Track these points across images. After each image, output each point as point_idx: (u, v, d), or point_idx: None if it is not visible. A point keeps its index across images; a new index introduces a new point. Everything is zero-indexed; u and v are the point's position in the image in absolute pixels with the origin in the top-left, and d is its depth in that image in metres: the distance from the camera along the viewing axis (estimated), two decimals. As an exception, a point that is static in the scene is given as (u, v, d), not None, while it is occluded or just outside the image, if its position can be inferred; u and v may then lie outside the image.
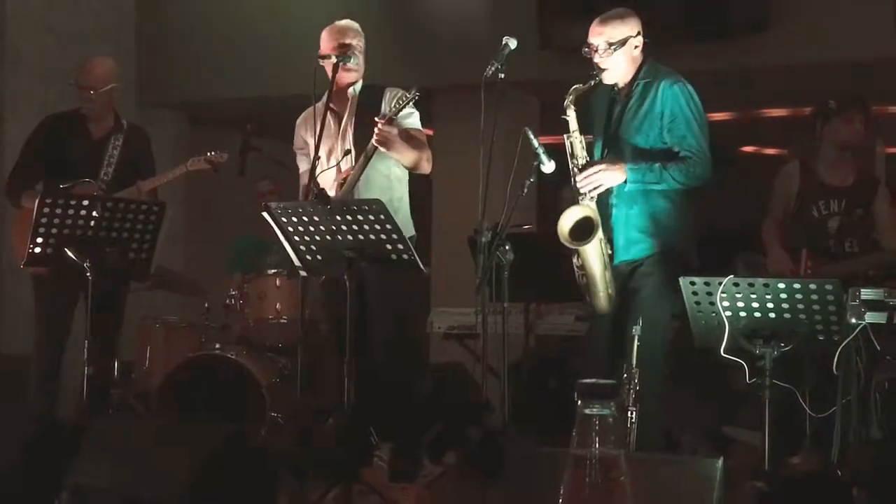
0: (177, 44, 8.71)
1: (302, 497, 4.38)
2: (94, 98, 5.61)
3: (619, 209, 4.62)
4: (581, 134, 4.60)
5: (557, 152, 4.74)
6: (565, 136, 4.59)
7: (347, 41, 5.13)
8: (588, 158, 4.61)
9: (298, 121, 5.36)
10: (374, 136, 4.90)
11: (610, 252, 4.58)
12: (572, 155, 4.60)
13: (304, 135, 5.28)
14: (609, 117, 4.70)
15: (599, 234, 4.48)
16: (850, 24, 6.84)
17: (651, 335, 4.44)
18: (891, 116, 9.10)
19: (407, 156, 5.06)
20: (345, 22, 5.24)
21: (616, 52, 4.56)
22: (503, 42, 4.75)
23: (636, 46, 4.62)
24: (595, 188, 4.54)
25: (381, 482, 4.68)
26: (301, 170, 5.28)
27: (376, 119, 4.93)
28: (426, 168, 5.21)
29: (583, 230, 4.47)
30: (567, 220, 4.48)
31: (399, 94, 5.03)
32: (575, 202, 4.58)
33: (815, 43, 6.95)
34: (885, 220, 5.43)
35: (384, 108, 5.11)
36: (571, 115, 4.55)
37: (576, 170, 4.58)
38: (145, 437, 4.21)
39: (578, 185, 4.55)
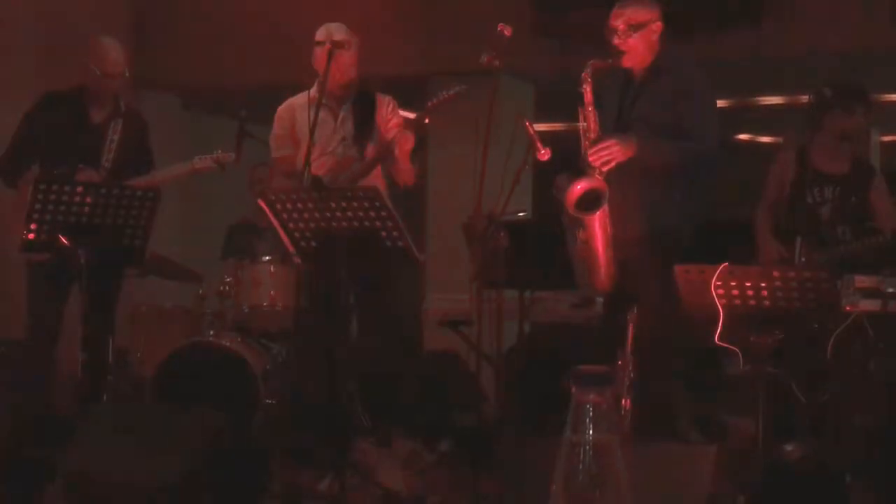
0: (172, 27, 8.68)
1: (295, 483, 4.39)
2: (118, 84, 5.58)
3: (619, 186, 4.60)
4: (596, 109, 4.60)
5: (553, 140, 4.74)
6: (580, 108, 4.60)
7: (341, 36, 5.16)
8: (601, 133, 4.61)
9: (284, 108, 5.36)
10: (395, 135, 5.00)
11: (610, 231, 4.59)
12: (586, 128, 4.60)
13: (288, 122, 5.29)
14: (621, 101, 4.72)
15: (605, 207, 4.48)
16: (845, 13, 6.84)
17: (652, 318, 4.45)
18: (885, 105, 9.10)
19: (408, 165, 5.16)
20: (337, 24, 5.27)
21: (635, 34, 4.62)
22: (498, 29, 4.75)
23: (655, 32, 4.68)
24: (606, 162, 4.53)
25: (374, 469, 4.68)
26: (276, 154, 5.31)
27: (415, 115, 5.07)
28: (411, 181, 5.28)
29: (590, 201, 4.48)
30: (576, 191, 4.48)
31: (392, 103, 5.26)
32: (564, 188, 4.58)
33: (811, 31, 6.95)
34: (883, 207, 5.43)
35: (380, 115, 5.28)
36: (588, 89, 4.56)
37: (588, 143, 4.58)
38: (139, 423, 4.21)
39: (590, 159, 4.54)
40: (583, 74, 4.55)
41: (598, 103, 4.67)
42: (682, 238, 4.67)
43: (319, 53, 5.15)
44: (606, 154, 4.52)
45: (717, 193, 5.03)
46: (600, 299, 5.33)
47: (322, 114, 5.08)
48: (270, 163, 5.55)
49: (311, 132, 4.89)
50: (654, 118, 4.66)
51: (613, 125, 4.71)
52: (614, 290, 4.66)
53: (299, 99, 5.31)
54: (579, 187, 4.49)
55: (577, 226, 4.58)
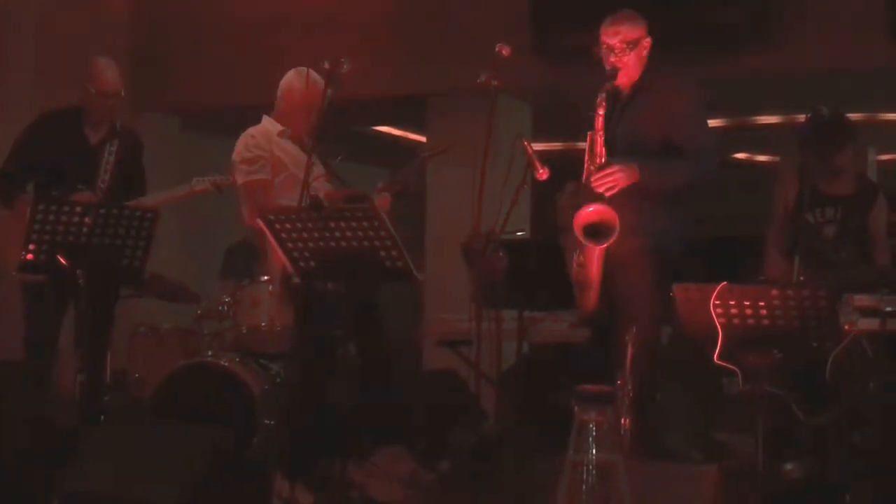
0: (170, 48, 8.70)
1: (294, 503, 4.37)
2: (114, 103, 5.58)
3: (608, 202, 4.56)
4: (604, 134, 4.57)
5: (551, 159, 4.74)
6: (589, 133, 4.56)
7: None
8: (606, 158, 4.57)
9: (258, 133, 5.30)
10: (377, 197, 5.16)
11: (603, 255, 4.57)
12: (592, 153, 4.57)
13: (266, 147, 5.25)
14: (607, 118, 4.69)
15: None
16: (842, 32, 6.86)
17: (648, 336, 4.45)
18: (882, 124, 9.14)
19: None
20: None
21: (631, 52, 4.59)
22: (496, 49, 4.75)
23: (645, 48, 4.66)
24: (610, 188, 4.50)
25: (373, 488, 4.67)
26: (252, 178, 5.23)
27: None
28: None
29: (598, 229, 4.46)
30: (586, 214, 4.45)
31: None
32: (574, 206, 4.55)
33: (808, 50, 6.97)
34: (879, 231, 5.41)
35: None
36: (601, 113, 4.52)
37: (592, 168, 4.54)
38: (138, 443, 4.20)
39: (594, 185, 4.51)
40: (598, 100, 4.50)
41: (586, 121, 4.65)
42: (673, 254, 4.65)
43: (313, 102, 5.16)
44: (611, 180, 4.49)
45: (718, 211, 5.03)
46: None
47: (293, 148, 5.19)
48: (239, 188, 5.35)
49: (310, 152, 4.90)
50: (636, 137, 4.63)
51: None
52: (599, 310, 4.63)
53: (267, 128, 5.30)
54: (591, 210, 4.45)
55: (577, 249, 4.56)
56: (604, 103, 4.52)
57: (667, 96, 4.63)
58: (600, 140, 4.55)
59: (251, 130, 5.33)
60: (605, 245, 4.44)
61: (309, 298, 4.92)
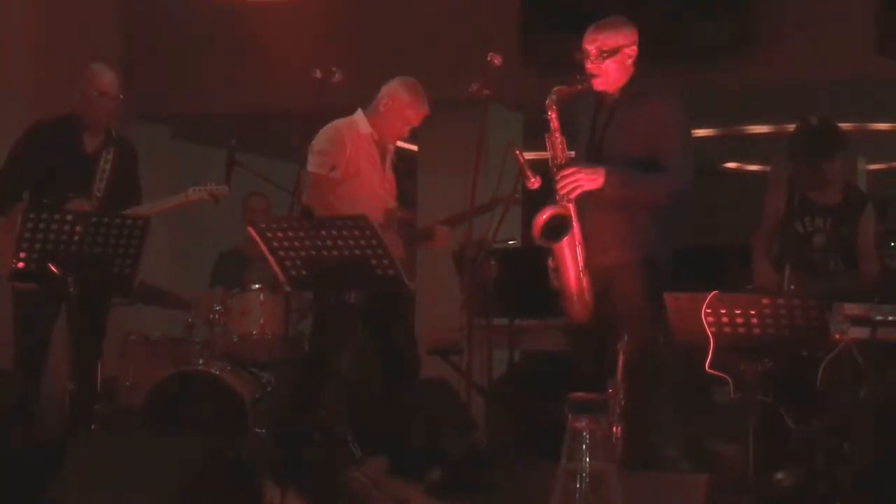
0: (162, 56, 8.69)
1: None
2: (114, 107, 5.58)
3: (597, 213, 4.53)
4: (563, 136, 4.55)
5: (542, 168, 4.74)
6: (546, 135, 4.52)
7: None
8: (568, 160, 4.53)
9: (345, 131, 5.28)
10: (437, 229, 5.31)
11: (582, 260, 4.53)
12: (553, 156, 4.55)
13: (350, 147, 5.25)
14: (592, 126, 4.68)
15: (572, 234, 4.42)
16: (831, 42, 6.89)
17: (638, 346, 4.44)
18: (871, 134, 9.18)
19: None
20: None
21: (607, 59, 4.54)
22: (488, 59, 4.76)
23: (629, 57, 4.61)
24: (572, 190, 4.45)
25: (364, 498, 4.67)
26: (322, 171, 5.23)
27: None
28: None
29: (557, 229, 4.43)
30: (541, 219, 4.43)
31: None
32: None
33: (798, 60, 7.00)
34: (867, 240, 5.41)
35: None
36: (553, 115, 4.49)
37: (555, 170, 4.51)
38: (128, 451, 4.19)
39: (557, 186, 4.47)
40: (546, 101, 4.47)
41: (573, 130, 4.62)
42: (661, 263, 4.64)
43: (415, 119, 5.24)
44: (571, 181, 4.43)
45: (708, 219, 5.03)
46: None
47: (374, 153, 5.21)
48: (313, 178, 5.27)
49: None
50: (624, 144, 4.59)
51: (584, 150, 4.67)
52: (592, 321, 4.60)
53: (356, 126, 5.29)
54: (545, 216, 4.42)
55: (548, 255, 4.54)
56: (554, 105, 4.48)
57: (656, 109, 4.60)
58: (558, 141, 4.51)
59: (339, 123, 5.28)
60: (565, 239, 4.40)
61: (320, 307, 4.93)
